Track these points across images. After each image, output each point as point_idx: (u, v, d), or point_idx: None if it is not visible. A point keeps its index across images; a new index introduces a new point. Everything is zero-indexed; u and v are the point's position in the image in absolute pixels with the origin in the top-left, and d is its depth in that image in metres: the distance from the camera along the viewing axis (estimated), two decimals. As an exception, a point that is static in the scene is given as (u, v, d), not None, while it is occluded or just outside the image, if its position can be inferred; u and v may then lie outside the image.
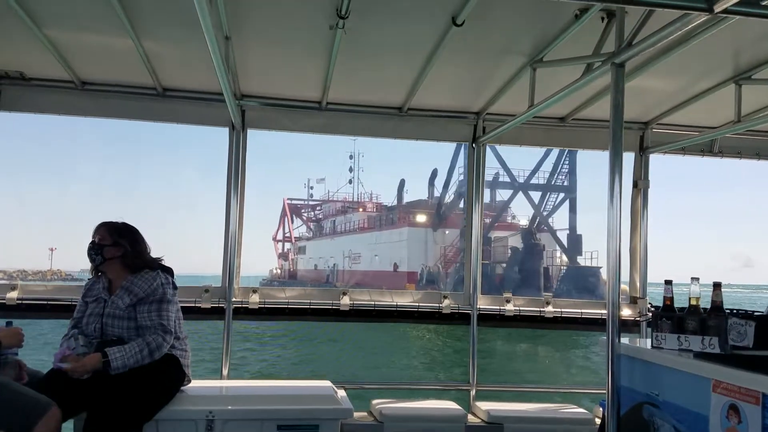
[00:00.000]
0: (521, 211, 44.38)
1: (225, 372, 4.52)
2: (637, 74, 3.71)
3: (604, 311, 3.19)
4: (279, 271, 73.94)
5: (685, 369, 2.83)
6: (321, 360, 17.10)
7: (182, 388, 3.56)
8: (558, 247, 39.30)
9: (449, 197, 43.15)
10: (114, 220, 3.53)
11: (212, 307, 4.54)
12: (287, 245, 74.75)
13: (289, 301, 4.74)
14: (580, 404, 4.66)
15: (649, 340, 3.29)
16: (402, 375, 14.66)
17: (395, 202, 53.96)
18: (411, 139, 4.91)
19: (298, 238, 72.06)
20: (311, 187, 77.07)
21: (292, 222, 74.49)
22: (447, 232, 42.17)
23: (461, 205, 40.11)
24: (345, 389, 4.16)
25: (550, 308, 5.03)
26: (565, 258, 38.82)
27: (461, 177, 40.51)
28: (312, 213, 74.52)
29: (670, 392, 2.92)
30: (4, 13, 3.23)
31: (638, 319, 4.91)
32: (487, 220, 41.61)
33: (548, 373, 16.30)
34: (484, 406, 4.49)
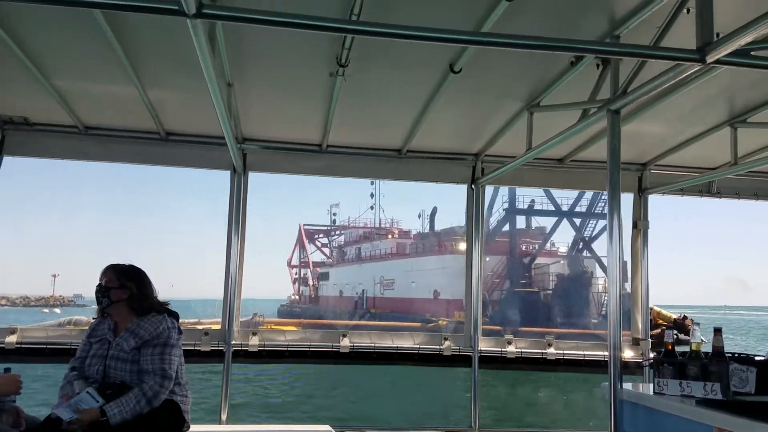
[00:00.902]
0: (558, 238, 44.62)
1: (224, 416, 4.47)
2: (632, 119, 3.76)
3: (607, 353, 3.17)
4: (297, 296, 73.03)
5: (688, 416, 2.80)
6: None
7: (179, 434, 3.51)
8: (602, 274, 39.07)
9: (492, 225, 43.55)
10: (121, 263, 3.53)
11: (212, 350, 4.52)
12: (304, 270, 73.98)
13: (289, 343, 4.72)
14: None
15: (651, 385, 3.27)
16: (413, 418, 14.24)
17: (423, 229, 54.44)
18: (411, 180, 4.96)
19: (320, 264, 71.14)
20: (334, 214, 76.16)
21: (308, 248, 73.97)
22: (488, 259, 42.14)
23: (506, 228, 41.33)
24: None
25: (552, 350, 4.99)
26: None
27: (505, 204, 41.62)
28: (328, 239, 73.90)
29: (674, 440, 2.88)
30: (11, 62, 3.30)
31: (642, 363, 4.86)
32: (523, 247, 42.28)
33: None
34: None
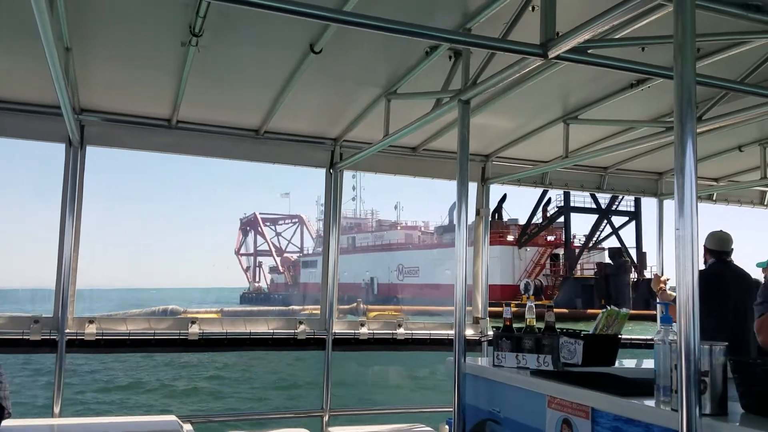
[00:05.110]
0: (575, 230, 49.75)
1: (57, 410, 4.11)
2: (481, 110, 3.99)
3: (451, 332, 3.34)
4: (258, 284, 77.66)
5: (523, 386, 3.04)
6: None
7: (2, 423, 3.18)
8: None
9: (537, 220, 47.49)
10: None
11: (43, 339, 4.13)
12: (260, 259, 79.78)
13: (131, 331, 4.43)
14: (429, 423, 4.81)
15: (488, 359, 3.50)
16: (259, 405, 14.03)
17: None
18: (267, 162, 4.85)
19: (307, 254, 75.30)
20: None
21: (267, 234, 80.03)
22: (528, 249, 46.94)
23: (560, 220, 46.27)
24: (192, 423, 3.97)
25: (401, 330, 5.17)
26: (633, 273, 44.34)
27: (559, 202, 45.66)
28: (275, 227, 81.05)
29: (510, 409, 3.11)
30: None
31: (481, 338, 5.19)
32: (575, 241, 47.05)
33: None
34: (336, 430, 4.49)
